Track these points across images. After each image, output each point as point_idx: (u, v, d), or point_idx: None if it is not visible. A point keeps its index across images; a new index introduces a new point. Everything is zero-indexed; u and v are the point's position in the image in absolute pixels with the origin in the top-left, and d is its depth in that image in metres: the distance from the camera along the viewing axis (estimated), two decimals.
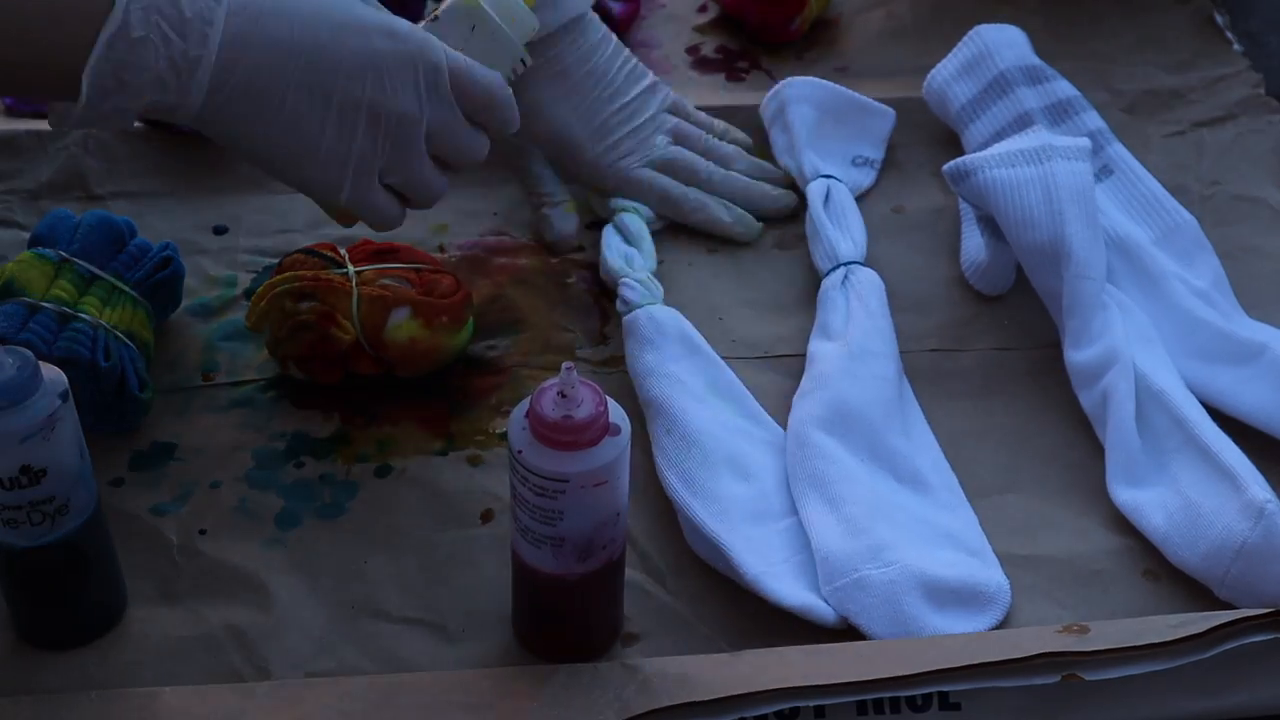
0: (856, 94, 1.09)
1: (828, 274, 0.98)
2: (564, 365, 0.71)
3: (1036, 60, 1.08)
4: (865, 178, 1.07)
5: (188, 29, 0.74)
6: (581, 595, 0.77)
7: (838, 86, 1.09)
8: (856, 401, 0.89)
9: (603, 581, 0.77)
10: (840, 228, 1.00)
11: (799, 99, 1.08)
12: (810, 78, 1.09)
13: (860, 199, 1.05)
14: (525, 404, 0.72)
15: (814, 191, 1.02)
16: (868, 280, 0.97)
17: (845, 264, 0.98)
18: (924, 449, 0.90)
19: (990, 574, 0.83)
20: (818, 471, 0.86)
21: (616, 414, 0.72)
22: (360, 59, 0.79)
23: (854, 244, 0.99)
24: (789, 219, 1.05)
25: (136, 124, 1.07)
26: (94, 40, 0.72)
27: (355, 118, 0.80)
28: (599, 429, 0.71)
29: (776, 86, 1.09)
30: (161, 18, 0.73)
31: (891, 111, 1.09)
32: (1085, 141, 0.98)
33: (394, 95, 0.80)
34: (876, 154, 1.08)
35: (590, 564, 0.75)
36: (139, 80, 0.74)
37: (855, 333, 0.93)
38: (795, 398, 0.91)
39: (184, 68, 0.75)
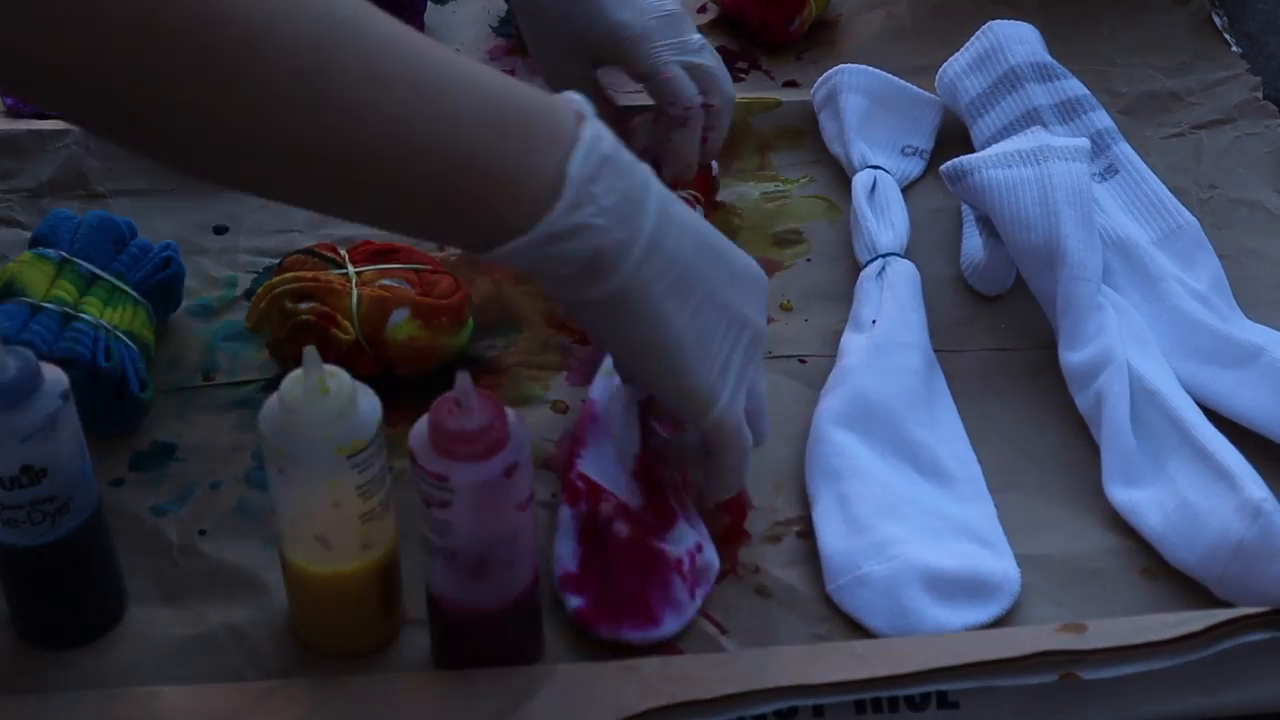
0: (907, 83, 1.09)
1: (866, 265, 0.98)
2: (459, 372, 0.70)
3: (1048, 58, 1.08)
4: (914, 168, 1.08)
5: (633, 170, 0.73)
6: (490, 629, 0.77)
7: (888, 75, 1.09)
8: (878, 394, 0.90)
9: (507, 618, 0.77)
10: (882, 220, 1.01)
11: (851, 87, 1.08)
12: (862, 65, 1.09)
13: (907, 189, 1.06)
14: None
15: (859, 183, 1.03)
16: (903, 271, 0.97)
17: (884, 255, 0.98)
18: (949, 440, 0.90)
19: (999, 563, 0.83)
20: (831, 468, 0.87)
21: (517, 429, 0.72)
22: (742, 270, 0.78)
23: (895, 236, 1.00)
24: (785, 217, 1.05)
25: None
26: (569, 149, 0.70)
27: (742, 327, 0.78)
28: (492, 441, 0.70)
29: (829, 73, 1.09)
30: (614, 149, 0.72)
31: (940, 101, 1.10)
32: (1084, 142, 0.98)
33: (752, 310, 0.79)
34: (926, 144, 1.09)
35: (489, 586, 0.75)
36: (605, 200, 0.71)
37: (883, 324, 0.93)
38: (822, 391, 0.92)
39: (635, 199, 0.72)
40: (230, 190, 0.86)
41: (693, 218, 0.77)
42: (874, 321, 0.94)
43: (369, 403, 0.73)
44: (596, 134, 0.71)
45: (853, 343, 0.93)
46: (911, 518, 0.85)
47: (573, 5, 0.98)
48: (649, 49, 0.97)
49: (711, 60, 0.99)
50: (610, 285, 0.72)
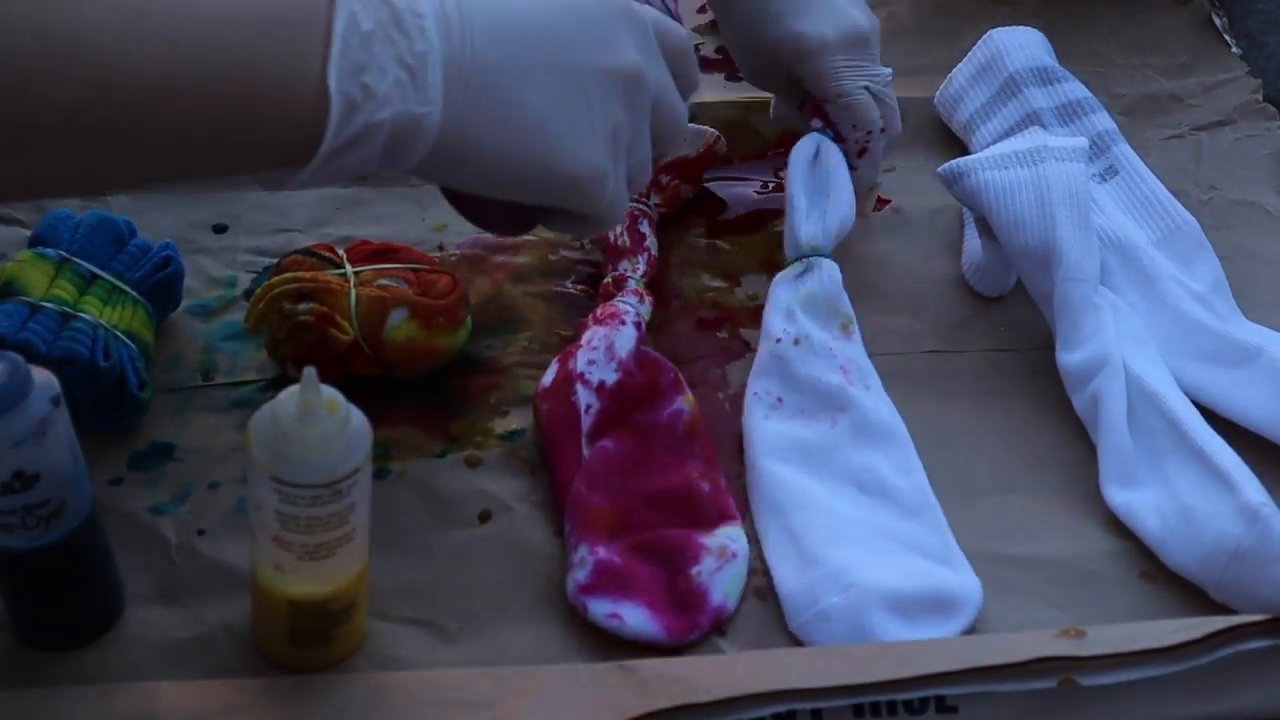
0: None
1: (789, 263, 0.95)
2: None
3: (1049, 62, 1.07)
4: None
5: (402, 20, 0.66)
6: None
7: None
8: (806, 432, 0.89)
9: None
10: (814, 205, 0.96)
11: None
12: None
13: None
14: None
15: (798, 153, 0.97)
16: (823, 278, 0.94)
17: (806, 256, 0.94)
18: (890, 449, 0.89)
19: (956, 577, 0.83)
20: (775, 501, 0.86)
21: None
22: (576, 19, 0.71)
23: (823, 229, 0.95)
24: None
25: None
26: (324, 53, 0.64)
27: (596, 85, 0.71)
28: None
29: None
30: (377, 10, 0.65)
31: None
32: (1082, 141, 0.98)
33: (619, 52, 0.72)
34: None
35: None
36: (381, 84, 0.65)
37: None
38: (749, 406, 0.91)
39: (414, 65, 0.66)
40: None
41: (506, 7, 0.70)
42: (779, 340, 0.92)
43: (359, 436, 0.72)
44: (351, 14, 0.65)
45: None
46: (862, 541, 0.84)
47: (761, 11, 0.96)
48: (826, 66, 0.95)
49: (891, 95, 0.98)
50: (418, 155, 0.68)
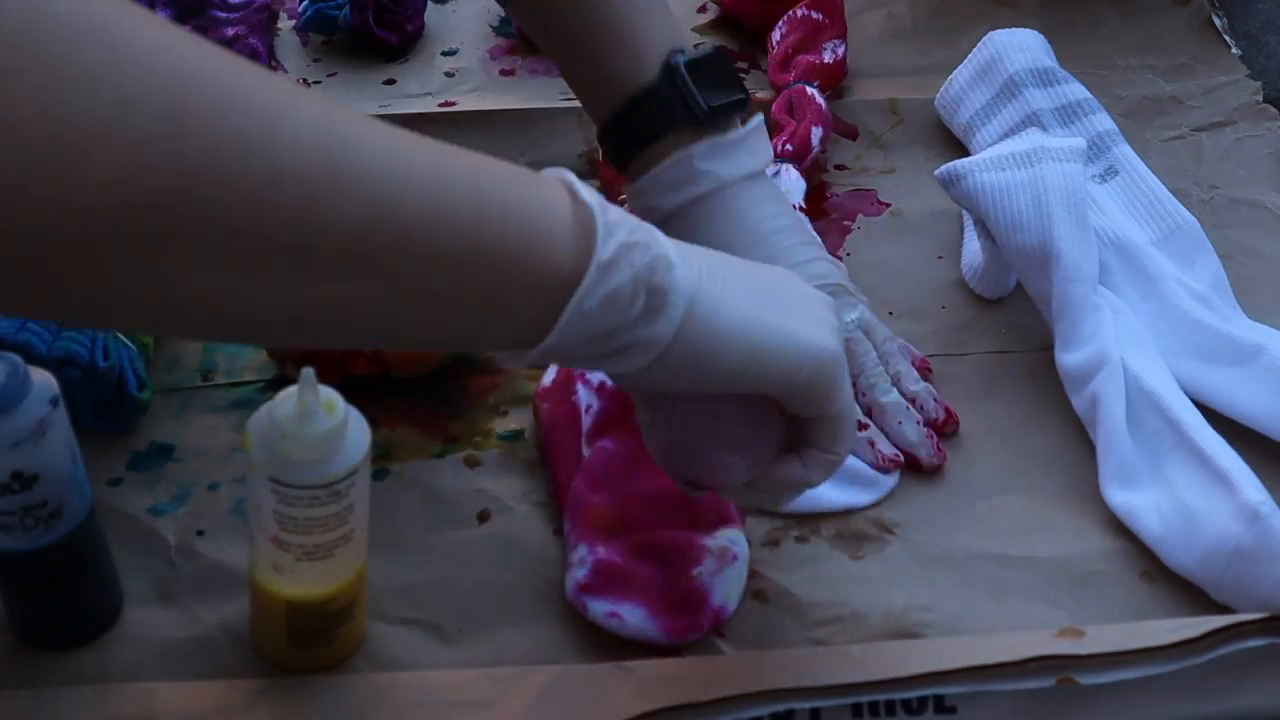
0: None
1: None
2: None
3: (1049, 63, 1.07)
4: None
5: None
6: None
7: None
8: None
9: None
10: None
11: None
12: None
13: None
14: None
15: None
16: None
17: None
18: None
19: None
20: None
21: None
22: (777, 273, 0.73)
23: None
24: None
25: None
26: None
27: (821, 305, 0.72)
28: None
29: None
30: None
31: None
32: (1079, 142, 0.98)
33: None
34: None
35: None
36: (623, 221, 0.65)
37: None
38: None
39: (646, 228, 0.66)
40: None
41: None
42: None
43: (358, 437, 0.71)
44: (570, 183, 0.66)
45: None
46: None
47: None
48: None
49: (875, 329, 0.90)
50: (676, 316, 0.65)
